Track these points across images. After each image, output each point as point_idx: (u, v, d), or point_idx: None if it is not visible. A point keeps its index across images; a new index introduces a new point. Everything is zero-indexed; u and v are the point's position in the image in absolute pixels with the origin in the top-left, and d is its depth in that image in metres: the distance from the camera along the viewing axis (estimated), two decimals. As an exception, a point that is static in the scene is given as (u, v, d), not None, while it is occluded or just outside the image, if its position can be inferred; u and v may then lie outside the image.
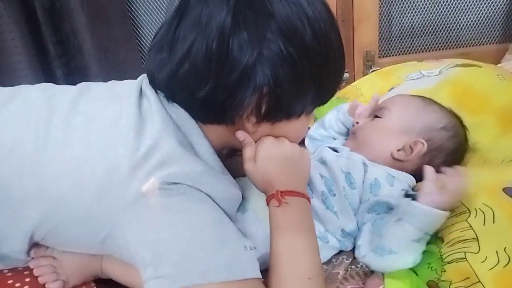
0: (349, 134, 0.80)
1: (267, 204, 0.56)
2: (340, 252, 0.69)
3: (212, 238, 0.47)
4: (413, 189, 0.68)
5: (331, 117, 0.85)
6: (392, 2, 1.39)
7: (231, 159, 0.64)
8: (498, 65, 1.16)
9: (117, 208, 0.46)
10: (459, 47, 1.44)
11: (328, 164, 0.69)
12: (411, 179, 0.69)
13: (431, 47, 1.45)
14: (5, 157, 0.49)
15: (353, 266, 0.66)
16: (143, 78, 0.55)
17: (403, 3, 1.39)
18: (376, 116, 0.75)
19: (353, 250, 0.69)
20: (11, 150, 0.49)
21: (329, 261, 0.67)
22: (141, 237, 0.46)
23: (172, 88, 0.51)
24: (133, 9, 1.33)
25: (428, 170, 0.60)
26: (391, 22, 1.42)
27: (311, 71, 0.51)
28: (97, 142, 0.49)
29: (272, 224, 0.55)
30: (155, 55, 0.51)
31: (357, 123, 0.77)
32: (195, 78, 0.48)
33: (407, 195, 0.61)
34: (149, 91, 0.53)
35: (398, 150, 0.71)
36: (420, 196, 0.58)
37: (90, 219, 0.47)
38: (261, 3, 0.47)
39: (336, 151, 0.73)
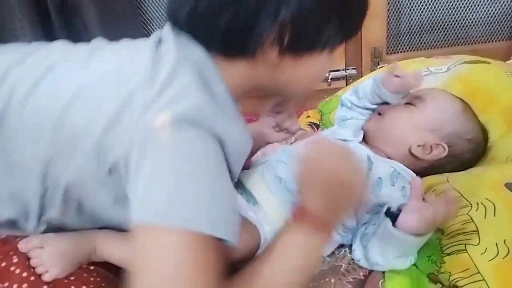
0: (375, 111, 0.77)
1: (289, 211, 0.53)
2: (343, 245, 0.70)
3: (208, 190, 0.46)
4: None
5: (367, 86, 0.81)
6: (401, -2, 1.39)
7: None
8: (507, 62, 1.15)
9: (126, 140, 0.46)
10: (468, 44, 1.43)
11: None
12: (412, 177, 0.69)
13: (440, 44, 1.45)
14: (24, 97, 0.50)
15: (355, 259, 0.67)
16: (162, 29, 0.55)
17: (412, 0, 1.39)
18: (409, 104, 0.73)
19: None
20: (30, 92, 0.50)
21: (332, 254, 0.68)
22: (143, 171, 0.45)
23: (193, 23, 0.50)
24: (143, 4, 1.35)
25: (414, 186, 0.57)
26: (400, 18, 1.42)
27: None
28: (112, 76, 0.50)
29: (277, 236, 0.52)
30: None
31: (388, 103, 0.74)
32: (215, 7, 0.48)
33: (387, 213, 0.58)
34: (167, 35, 0.52)
35: (418, 146, 0.69)
36: (401, 216, 0.55)
37: (98, 151, 0.47)
38: None
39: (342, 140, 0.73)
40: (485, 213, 0.56)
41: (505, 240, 0.52)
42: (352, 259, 0.66)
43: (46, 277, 0.55)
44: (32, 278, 0.54)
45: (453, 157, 0.70)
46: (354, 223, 0.67)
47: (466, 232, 0.56)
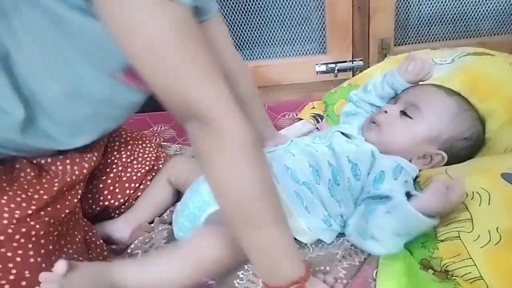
0: (369, 122, 0.77)
1: None
2: (343, 233, 0.72)
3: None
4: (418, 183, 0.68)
5: (377, 79, 0.82)
6: (410, -11, 1.38)
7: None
8: (514, 54, 1.14)
9: None
10: (477, 36, 1.42)
11: (336, 152, 0.69)
12: (416, 171, 0.70)
13: (448, 36, 1.44)
14: None
15: (353, 247, 0.68)
16: None
17: (421, -9, 1.38)
18: (405, 113, 0.73)
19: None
20: None
21: (331, 242, 0.70)
22: None
23: None
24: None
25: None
26: (409, 10, 1.41)
27: None
28: None
29: None
30: None
31: (386, 112, 0.74)
32: None
33: (407, 194, 0.60)
34: None
35: (418, 158, 0.71)
36: (419, 196, 0.57)
37: None
38: None
39: (348, 137, 0.74)
40: (480, 202, 0.57)
41: (497, 227, 0.53)
42: (350, 247, 0.68)
43: None
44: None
45: (452, 156, 0.71)
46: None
47: (461, 220, 0.57)
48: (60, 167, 0.63)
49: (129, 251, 0.70)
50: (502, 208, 0.55)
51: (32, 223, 0.54)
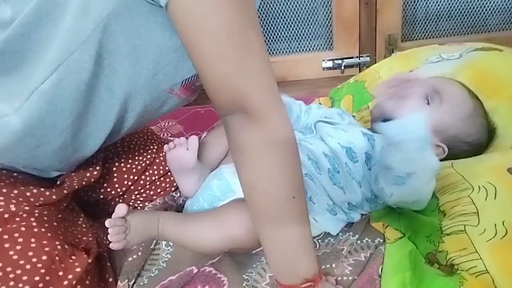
0: (391, 82, 0.76)
1: None
2: (350, 228, 0.72)
3: None
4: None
5: None
6: (418, -15, 1.37)
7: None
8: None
9: None
10: (485, 32, 1.41)
11: (326, 143, 0.70)
12: None
13: (456, 32, 1.43)
14: None
15: (359, 241, 0.68)
16: None
17: (429, -14, 1.38)
18: (425, 97, 0.73)
19: (359, 226, 0.71)
20: None
21: (336, 236, 0.70)
22: None
23: None
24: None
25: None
26: (416, 5, 1.40)
27: None
28: None
29: None
30: None
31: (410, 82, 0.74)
32: None
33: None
34: None
35: None
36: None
37: None
38: None
39: (330, 123, 0.74)
40: (486, 196, 0.57)
41: (503, 221, 0.53)
42: (356, 241, 0.68)
43: (119, 246, 0.57)
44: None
45: (451, 155, 0.71)
46: (359, 199, 0.70)
47: (467, 214, 0.57)
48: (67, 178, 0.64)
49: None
50: (508, 202, 0.55)
51: (37, 211, 0.56)
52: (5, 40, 0.48)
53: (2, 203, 0.53)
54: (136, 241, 0.60)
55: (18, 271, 0.50)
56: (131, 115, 0.57)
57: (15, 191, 0.55)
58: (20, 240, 0.52)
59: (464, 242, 0.55)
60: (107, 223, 0.56)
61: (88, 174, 0.66)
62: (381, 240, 0.67)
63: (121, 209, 0.56)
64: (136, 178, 0.76)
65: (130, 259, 0.64)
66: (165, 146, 0.72)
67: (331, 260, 0.64)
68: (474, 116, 0.72)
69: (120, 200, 0.77)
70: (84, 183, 0.66)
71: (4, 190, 0.54)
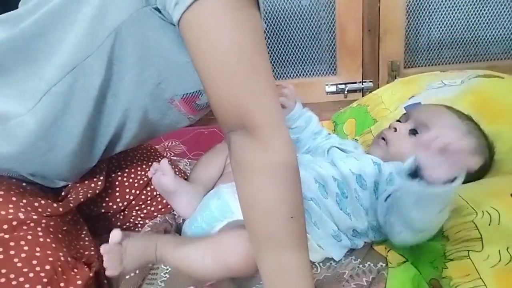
0: (378, 138, 0.78)
1: None
2: (352, 252, 0.71)
3: None
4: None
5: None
6: (420, 13, 1.40)
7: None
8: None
9: None
10: (487, 60, 1.43)
11: (338, 167, 0.71)
12: None
13: (458, 60, 1.45)
14: None
15: (361, 266, 0.67)
16: None
17: (431, 15, 1.40)
18: (415, 131, 0.73)
19: (362, 250, 0.71)
20: None
21: (339, 260, 0.69)
22: None
23: None
24: None
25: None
26: (419, 33, 1.43)
27: None
28: None
29: None
30: None
31: (395, 129, 0.75)
32: None
33: (410, 175, 0.54)
34: None
35: None
36: (425, 175, 0.51)
37: None
38: None
39: (343, 151, 0.75)
40: (490, 221, 0.57)
41: (508, 247, 0.53)
42: (358, 266, 0.67)
43: (113, 272, 0.55)
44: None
45: None
46: (365, 227, 0.69)
47: (470, 239, 0.56)
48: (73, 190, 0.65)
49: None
50: (512, 228, 0.55)
51: (44, 221, 0.56)
52: (22, 37, 0.50)
53: (12, 211, 0.54)
54: (132, 266, 0.59)
55: (21, 279, 0.50)
56: (131, 124, 0.58)
57: (24, 201, 0.56)
58: (26, 248, 0.52)
59: (468, 268, 0.54)
60: (102, 249, 0.54)
61: (92, 185, 0.67)
62: (384, 265, 0.66)
63: (116, 235, 0.55)
64: (137, 192, 0.76)
65: (127, 277, 0.63)
66: (149, 173, 0.72)
67: (333, 284, 0.63)
68: (469, 132, 0.71)
69: (121, 217, 0.77)
70: (89, 195, 0.66)
71: (14, 199, 0.55)
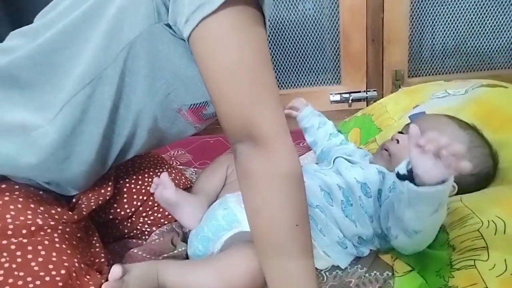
0: (381, 149, 0.79)
1: None
2: (358, 260, 0.72)
3: None
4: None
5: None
6: (423, 23, 1.41)
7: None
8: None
9: None
10: (491, 69, 1.44)
11: (343, 176, 0.72)
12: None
13: (462, 69, 1.46)
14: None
15: (367, 274, 0.67)
16: None
17: (435, 25, 1.42)
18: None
19: (368, 258, 0.71)
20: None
21: (344, 268, 0.70)
22: None
23: None
24: None
25: (413, 133, 0.52)
26: (422, 42, 1.44)
27: None
28: None
29: None
30: None
31: (398, 141, 0.76)
32: None
33: (399, 176, 0.55)
34: None
35: None
36: (418, 172, 0.52)
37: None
38: None
39: (350, 162, 0.76)
40: (495, 230, 0.57)
41: (514, 257, 0.53)
42: (364, 274, 0.67)
43: None
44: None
45: (460, 189, 0.71)
46: (371, 234, 0.69)
47: (476, 248, 0.57)
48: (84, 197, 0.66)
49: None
50: (518, 237, 0.55)
51: (60, 227, 0.58)
52: (41, 52, 0.53)
53: (30, 216, 0.55)
54: None
55: (38, 282, 0.51)
56: (142, 132, 0.60)
57: (42, 208, 0.58)
58: (43, 253, 0.54)
59: (474, 277, 0.54)
60: (104, 286, 0.52)
61: (102, 191, 0.68)
62: (390, 274, 0.66)
63: (116, 271, 0.53)
64: (145, 198, 0.78)
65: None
66: (151, 188, 0.73)
67: (342, 294, 0.64)
68: (472, 148, 0.72)
69: (129, 224, 0.78)
70: (100, 202, 0.68)
71: (32, 206, 0.57)
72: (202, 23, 0.44)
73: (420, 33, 1.43)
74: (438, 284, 0.59)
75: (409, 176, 0.54)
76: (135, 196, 0.77)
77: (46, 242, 0.54)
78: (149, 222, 0.79)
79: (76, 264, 0.55)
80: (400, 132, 0.80)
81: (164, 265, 0.61)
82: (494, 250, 0.55)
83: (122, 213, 0.76)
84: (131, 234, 0.79)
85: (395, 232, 0.63)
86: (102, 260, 0.62)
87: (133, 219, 0.78)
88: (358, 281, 0.66)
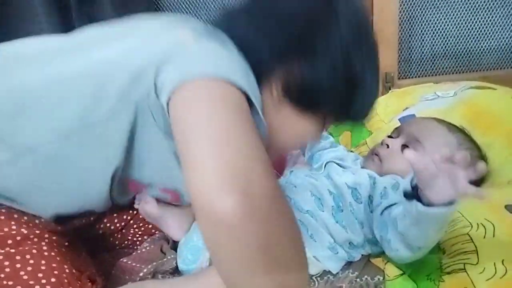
0: (371, 154, 0.79)
1: None
2: (349, 265, 0.71)
3: (236, 63, 0.49)
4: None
5: None
6: (413, 26, 1.42)
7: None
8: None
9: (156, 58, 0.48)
10: (480, 71, 1.45)
11: (334, 181, 0.71)
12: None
13: (451, 71, 1.47)
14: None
15: (358, 279, 0.67)
16: None
17: (424, 27, 1.42)
18: (406, 146, 0.74)
19: (359, 263, 0.71)
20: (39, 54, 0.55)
21: (336, 274, 0.69)
22: (174, 62, 0.47)
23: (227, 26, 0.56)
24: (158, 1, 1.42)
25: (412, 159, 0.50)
26: (412, 44, 1.45)
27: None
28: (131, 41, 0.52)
29: None
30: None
31: (387, 146, 0.76)
32: (247, 37, 0.53)
33: (406, 195, 0.55)
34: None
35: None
36: (427, 192, 0.50)
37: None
38: None
39: (341, 166, 0.76)
40: (485, 233, 0.57)
41: (503, 260, 0.53)
42: (355, 279, 0.67)
43: None
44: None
45: None
46: (362, 240, 0.69)
47: (466, 252, 0.57)
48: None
49: (141, 274, 0.69)
50: (507, 240, 0.55)
51: (47, 235, 0.58)
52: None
53: (14, 227, 0.55)
54: None
55: None
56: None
57: (25, 217, 0.57)
58: (31, 261, 0.53)
59: (464, 281, 0.54)
60: None
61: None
62: (381, 278, 0.66)
63: None
64: (135, 212, 0.76)
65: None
66: (135, 204, 0.73)
67: (329, 297, 0.63)
68: (462, 144, 0.72)
69: (119, 235, 0.77)
70: (91, 217, 0.68)
71: (16, 216, 0.56)
72: (179, 88, 0.44)
73: (410, 36, 1.43)
74: (429, 288, 0.59)
75: (414, 193, 0.53)
76: (125, 210, 0.76)
77: (34, 251, 0.54)
78: (140, 232, 0.78)
79: (67, 271, 0.54)
80: (390, 136, 0.80)
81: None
82: (484, 254, 0.55)
83: (112, 227, 0.75)
84: (123, 245, 0.78)
85: (396, 246, 0.61)
86: (93, 271, 0.61)
87: (124, 231, 0.77)
88: (349, 285, 0.66)
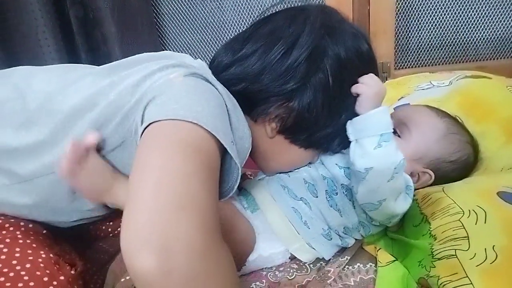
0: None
1: None
2: (342, 252, 0.72)
3: (215, 108, 0.51)
4: (415, 201, 0.69)
5: None
6: (409, 15, 1.41)
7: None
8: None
9: (149, 93, 0.52)
10: (476, 60, 1.45)
11: (325, 165, 0.71)
12: None
13: (447, 60, 1.47)
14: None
15: (350, 267, 0.68)
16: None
17: (421, 17, 1.42)
18: (394, 131, 0.73)
19: (351, 249, 0.72)
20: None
21: (328, 260, 0.70)
22: (158, 99, 0.50)
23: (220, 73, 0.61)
24: (160, 19, 1.42)
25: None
26: (408, 35, 1.45)
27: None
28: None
29: None
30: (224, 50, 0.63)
31: None
32: (242, 75, 0.59)
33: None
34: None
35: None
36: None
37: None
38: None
39: None
40: (476, 220, 0.57)
41: (494, 246, 0.53)
42: (347, 266, 0.68)
43: (66, 174, 0.53)
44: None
45: (440, 177, 0.71)
46: (356, 221, 0.69)
47: (457, 238, 0.57)
48: None
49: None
50: (498, 227, 0.55)
51: (22, 223, 0.58)
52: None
53: None
54: (84, 182, 0.54)
55: (1, 279, 0.51)
56: None
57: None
58: (5, 250, 0.54)
59: (455, 267, 0.54)
60: (71, 144, 0.51)
61: None
62: (373, 265, 0.67)
63: (90, 139, 0.52)
64: None
65: (122, 279, 0.63)
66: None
67: (321, 285, 0.64)
68: (449, 135, 0.72)
69: (111, 235, 0.78)
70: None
71: None
72: (150, 126, 0.47)
73: (406, 26, 1.43)
74: (420, 273, 0.59)
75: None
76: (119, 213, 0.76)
77: (8, 240, 0.55)
78: None
79: (44, 255, 0.55)
80: None
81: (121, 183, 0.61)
82: (475, 240, 0.55)
83: (103, 227, 0.77)
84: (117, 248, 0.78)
85: (356, 188, 0.64)
86: (74, 255, 0.62)
87: (116, 232, 0.78)
88: (340, 271, 0.66)
